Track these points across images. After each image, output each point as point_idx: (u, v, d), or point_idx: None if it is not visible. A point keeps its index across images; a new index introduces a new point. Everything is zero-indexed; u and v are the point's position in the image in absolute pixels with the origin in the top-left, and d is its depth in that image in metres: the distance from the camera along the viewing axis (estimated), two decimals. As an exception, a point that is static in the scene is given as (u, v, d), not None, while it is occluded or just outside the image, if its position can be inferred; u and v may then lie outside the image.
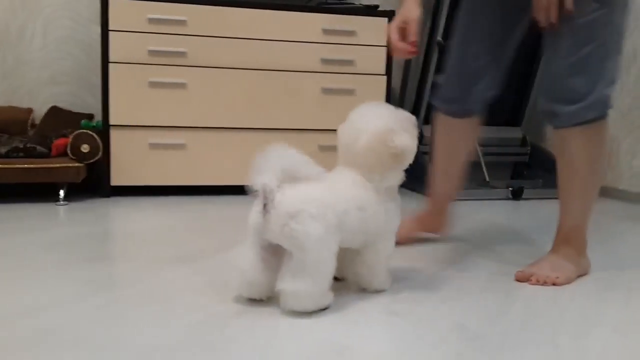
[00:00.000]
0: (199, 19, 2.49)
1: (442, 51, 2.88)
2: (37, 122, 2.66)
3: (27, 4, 2.73)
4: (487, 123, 3.11)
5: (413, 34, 1.49)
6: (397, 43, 1.50)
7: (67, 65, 2.80)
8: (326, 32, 2.64)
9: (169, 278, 1.42)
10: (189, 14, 2.47)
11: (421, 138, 2.99)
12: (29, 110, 2.66)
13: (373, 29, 2.69)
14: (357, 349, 1.04)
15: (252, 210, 1.18)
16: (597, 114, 1.41)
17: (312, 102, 2.65)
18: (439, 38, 2.86)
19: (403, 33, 1.50)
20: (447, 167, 1.77)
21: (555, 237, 1.55)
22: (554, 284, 1.43)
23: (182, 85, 2.49)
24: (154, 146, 2.47)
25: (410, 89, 3.08)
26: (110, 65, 2.41)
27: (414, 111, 3.05)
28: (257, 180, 1.14)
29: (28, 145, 2.26)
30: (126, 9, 2.41)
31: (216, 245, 1.71)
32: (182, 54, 2.48)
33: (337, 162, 1.32)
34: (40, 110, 2.71)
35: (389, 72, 2.72)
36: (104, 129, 2.42)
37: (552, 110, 1.44)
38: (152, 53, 2.45)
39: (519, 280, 1.47)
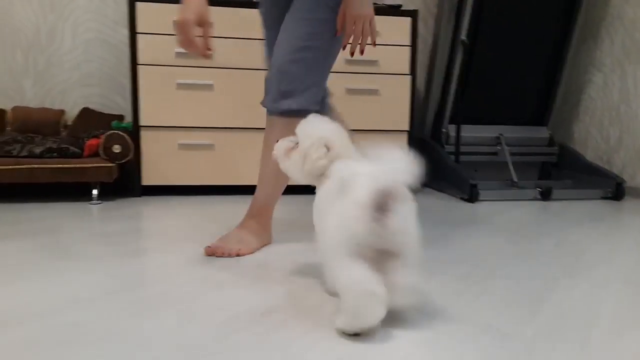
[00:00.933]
0: (225, 21, 2.53)
1: (467, 50, 2.88)
2: (69, 123, 2.72)
3: (55, 8, 2.80)
4: (512, 123, 3.15)
5: (207, 33, 1.50)
6: (197, 40, 1.48)
7: (96, 67, 2.86)
8: (351, 32, 2.65)
9: (198, 276, 1.45)
10: (215, 16, 2.49)
11: (447, 138, 3.00)
12: (61, 112, 2.73)
13: (396, 29, 2.70)
14: (386, 346, 1.05)
15: (352, 220, 1.06)
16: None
17: (337, 102, 2.66)
18: (463, 37, 2.85)
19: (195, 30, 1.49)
20: (269, 172, 1.68)
21: (247, 213, 1.72)
22: (237, 255, 1.61)
23: (209, 87, 2.53)
24: (183, 146, 2.51)
25: (435, 88, 3.08)
26: (139, 67, 2.46)
27: (439, 110, 3.05)
28: (372, 183, 1.06)
29: (61, 145, 2.31)
30: (153, 12, 2.45)
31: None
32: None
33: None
34: (71, 112, 2.78)
35: (413, 71, 2.73)
36: (134, 130, 2.47)
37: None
38: (179, 55, 2.49)
39: (208, 254, 1.61)
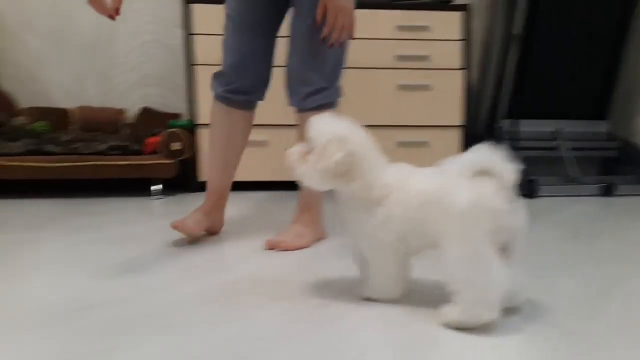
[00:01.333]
0: (279, 19, 2.56)
1: (521, 44, 2.82)
2: (129, 121, 2.82)
3: (117, 11, 2.90)
4: (570, 117, 3.07)
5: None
6: (102, 9, 1.58)
7: (154, 67, 2.95)
8: (400, 28, 2.64)
9: (255, 269, 1.49)
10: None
11: (502, 133, 2.95)
12: (121, 111, 2.83)
13: (447, 23, 2.68)
14: (450, 340, 1.06)
15: (493, 200, 1.08)
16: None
17: (388, 99, 2.67)
18: (518, 30, 2.80)
19: None
20: (227, 159, 1.78)
21: (299, 207, 1.75)
22: (297, 248, 1.65)
23: (263, 85, 2.57)
24: (238, 143, 2.56)
25: (488, 83, 3.03)
26: (196, 68, 2.53)
27: (493, 105, 3.01)
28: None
29: (124, 143, 2.40)
30: (207, 13, 2.51)
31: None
32: (263, 54, 2.55)
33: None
34: (130, 111, 2.88)
35: (466, 66, 2.70)
36: (192, 128, 2.54)
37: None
38: (235, 54, 2.54)
39: (269, 248, 1.64)
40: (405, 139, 2.65)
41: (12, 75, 2.86)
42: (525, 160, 2.92)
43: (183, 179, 2.58)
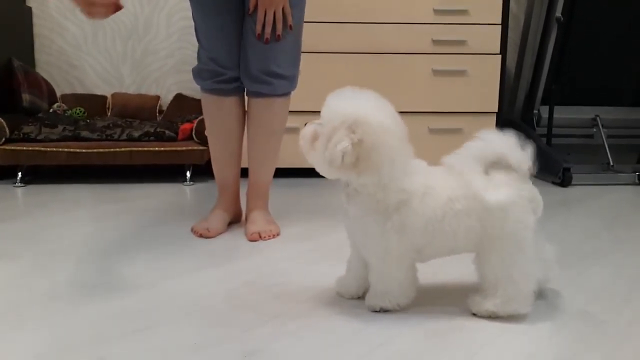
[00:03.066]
0: (311, 5, 2.54)
1: (562, 28, 2.74)
2: (164, 108, 2.86)
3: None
4: (609, 104, 2.97)
5: None
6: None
7: (189, 54, 2.97)
8: (437, 12, 2.60)
9: (283, 255, 1.51)
10: (302, 0, 2.53)
11: (539, 119, 2.89)
12: (157, 98, 2.87)
13: (486, 7, 2.61)
14: (479, 335, 1.05)
15: (524, 195, 1.07)
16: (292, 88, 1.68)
17: (423, 84, 2.63)
18: (559, 14, 2.72)
19: None
20: (231, 150, 1.72)
21: (251, 194, 1.73)
22: (275, 236, 1.65)
23: (295, 71, 2.56)
24: (270, 130, 2.57)
25: (526, 68, 2.96)
26: (229, 53, 2.54)
27: (531, 92, 2.94)
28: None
29: (158, 130, 2.44)
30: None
31: (327, 224, 1.77)
32: (295, 40, 2.55)
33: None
34: (166, 97, 2.92)
35: (503, 51, 2.64)
36: (224, 114, 2.56)
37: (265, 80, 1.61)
38: (268, 40, 2.54)
39: (253, 240, 1.61)
40: (438, 126, 2.61)
41: (51, 62, 2.93)
42: (562, 148, 2.88)
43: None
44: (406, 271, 1.10)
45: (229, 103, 1.68)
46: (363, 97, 1.06)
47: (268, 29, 1.56)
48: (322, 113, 1.07)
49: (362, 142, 1.00)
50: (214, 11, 1.60)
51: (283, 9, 1.56)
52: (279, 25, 1.56)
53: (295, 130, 2.59)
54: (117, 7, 1.30)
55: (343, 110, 1.03)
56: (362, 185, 1.05)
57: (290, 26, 1.59)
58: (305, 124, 1.10)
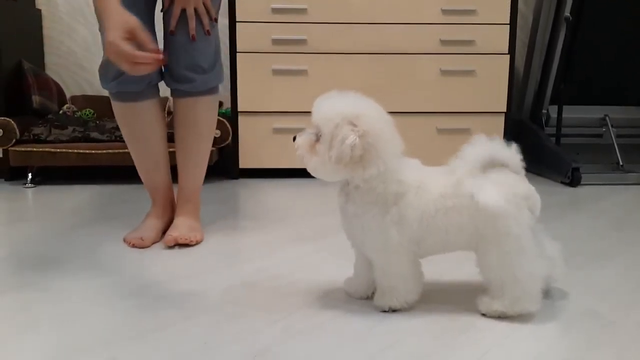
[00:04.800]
0: (319, 6, 2.55)
1: (571, 27, 2.73)
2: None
3: (162, 0, 2.95)
4: (619, 103, 2.95)
5: (149, 41, 1.28)
6: (142, 55, 1.26)
7: (197, 55, 2.98)
8: (445, 12, 2.60)
9: (292, 255, 1.51)
10: (309, 2, 2.54)
11: (548, 119, 2.88)
12: (165, 99, 2.88)
13: (494, 7, 2.61)
14: (488, 334, 1.05)
15: (519, 192, 1.08)
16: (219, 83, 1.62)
17: (431, 85, 2.63)
18: (567, 14, 2.70)
19: (132, 43, 1.27)
20: (155, 158, 1.62)
21: (179, 199, 1.64)
22: (197, 242, 1.56)
23: (303, 72, 2.57)
24: (278, 131, 2.58)
25: (534, 68, 2.95)
26: (237, 55, 2.55)
27: (539, 92, 2.93)
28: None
29: (168, 131, 2.44)
30: (251, 0, 2.52)
31: (336, 224, 1.77)
32: (302, 42, 2.56)
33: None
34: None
35: (512, 50, 2.63)
36: (233, 116, 2.57)
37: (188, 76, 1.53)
38: (275, 42, 2.55)
39: (169, 243, 1.53)
40: (446, 126, 2.60)
41: (60, 64, 2.95)
42: (571, 148, 2.87)
43: (223, 166, 2.62)
44: (408, 265, 1.10)
45: (142, 108, 1.55)
46: (351, 96, 1.08)
47: (192, 24, 1.48)
48: (313, 118, 1.07)
49: (367, 134, 1.02)
50: (128, 5, 1.35)
51: (204, 3, 1.49)
52: (205, 20, 1.50)
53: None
54: (160, 61, 1.30)
55: (340, 108, 1.05)
56: (365, 180, 1.06)
57: (216, 19, 1.54)
58: (294, 138, 1.10)
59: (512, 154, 1.09)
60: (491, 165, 1.08)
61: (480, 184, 1.04)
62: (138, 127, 1.59)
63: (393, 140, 1.06)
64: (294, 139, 1.10)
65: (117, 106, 1.58)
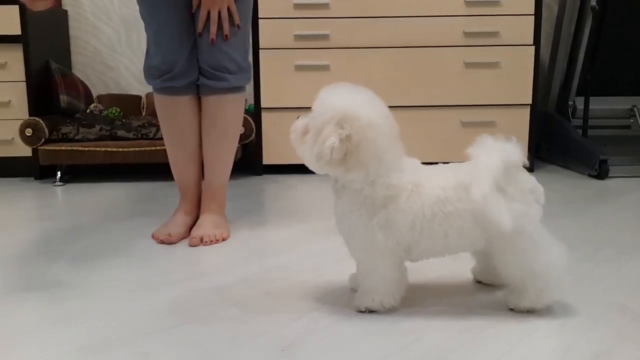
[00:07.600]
0: (341, 1, 2.55)
1: (597, 17, 2.68)
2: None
3: None
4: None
5: None
6: None
7: (221, 52, 3.00)
8: (469, 3, 2.57)
9: (315, 250, 1.52)
10: (331, -4, 2.54)
11: (574, 111, 2.84)
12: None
13: (519, -2, 2.58)
14: (515, 331, 1.04)
15: (526, 185, 1.05)
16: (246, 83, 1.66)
17: (455, 77, 2.61)
18: (593, 3, 2.66)
19: None
20: (189, 152, 1.66)
21: (204, 196, 1.67)
22: (223, 239, 1.59)
23: (325, 67, 2.57)
24: (301, 126, 2.58)
25: (560, 59, 2.91)
26: (260, 52, 2.56)
27: (565, 83, 2.89)
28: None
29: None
30: (273, -4, 2.53)
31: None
32: (325, 37, 2.56)
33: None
34: (198, 96, 2.96)
35: (537, 41, 2.60)
36: (256, 112, 2.58)
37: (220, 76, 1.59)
38: (298, 37, 2.55)
39: (193, 245, 1.55)
40: (471, 119, 2.58)
41: (86, 63, 3.00)
42: (598, 140, 2.82)
43: (247, 162, 2.64)
44: (392, 269, 1.07)
45: (182, 102, 1.62)
46: (355, 92, 1.05)
47: (213, 28, 1.53)
48: (313, 106, 1.05)
49: (350, 138, 0.99)
50: (161, 6, 1.55)
51: (229, 7, 1.53)
52: (225, 25, 1.54)
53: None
54: (57, 1, 1.32)
55: (333, 105, 1.02)
56: (350, 181, 1.04)
57: (238, 25, 1.56)
58: (297, 117, 1.08)
59: (517, 150, 1.03)
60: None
61: (493, 202, 0.98)
62: (177, 119, 1.65)
63: (387, 147, 1.02)
64: (297, 117, 1.09)
65: (159, 99, 1.66)
